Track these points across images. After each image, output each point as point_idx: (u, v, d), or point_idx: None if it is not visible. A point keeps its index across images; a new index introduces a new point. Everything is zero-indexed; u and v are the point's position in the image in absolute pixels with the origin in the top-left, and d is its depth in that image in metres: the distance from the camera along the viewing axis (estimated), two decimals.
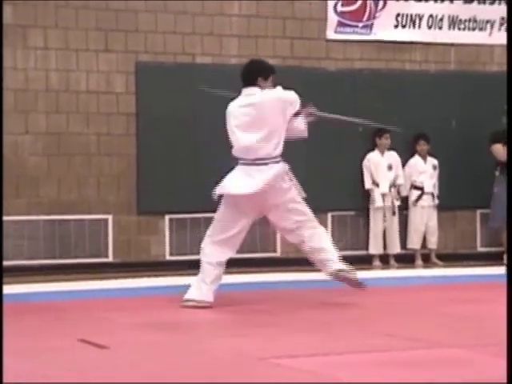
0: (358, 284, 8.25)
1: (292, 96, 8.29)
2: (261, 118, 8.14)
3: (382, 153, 12.54)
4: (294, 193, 8.26)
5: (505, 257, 11.72)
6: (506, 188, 11.17)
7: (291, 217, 8.20)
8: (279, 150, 8.26)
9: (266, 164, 8.17)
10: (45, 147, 11.54)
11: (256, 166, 8.16)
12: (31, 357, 5.46)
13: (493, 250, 12.72)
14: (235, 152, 8.31)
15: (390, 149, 12.56)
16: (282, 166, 8.25)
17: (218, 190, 8.16)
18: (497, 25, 13.18)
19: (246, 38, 12.23)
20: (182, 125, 11.77)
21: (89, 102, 11.66)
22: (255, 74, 8.41)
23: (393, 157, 12.57)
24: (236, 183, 8.15)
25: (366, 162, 12.51)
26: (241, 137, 8.26)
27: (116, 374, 4.90)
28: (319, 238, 8.31)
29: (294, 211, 8.20)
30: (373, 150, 12.54)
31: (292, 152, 12.21)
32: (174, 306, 8.05)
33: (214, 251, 8.08)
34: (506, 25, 13.15)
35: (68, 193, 11.58)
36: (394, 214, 12.43)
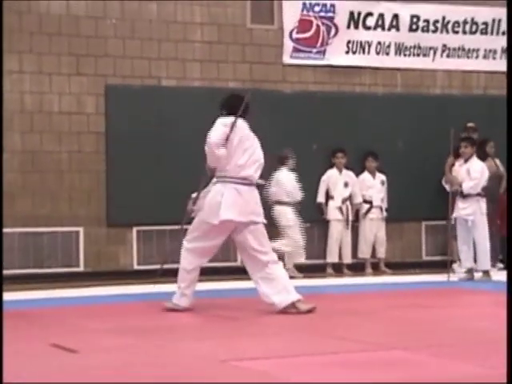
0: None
1: None
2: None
3: (340, 170, 12.57)
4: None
5: (454, 264, 11.81)
6: (506, 192, 11.30)
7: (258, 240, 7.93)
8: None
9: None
10: (20, 164, 11.45)
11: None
12: (4, 361, 5.38)
13: (437, 258, 12.78)
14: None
15: (348, 168, 12.58)
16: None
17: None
18: (439, 51, 13.28)
19: (208, 62, 12.22)
20: (148, 143, 11.72)
21: (61, 122, 11.60)
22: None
23: (349, 176, 12.60)
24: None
25: (324, 178, 12.53)
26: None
27: (84, 375, 4.85)
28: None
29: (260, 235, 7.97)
30: (332, 167, 12.57)
31: None
32: (140, 313, 8.01)
33: (189, 258, 7.96)
34: (446, 51, 13.29)
35: (41, 207, 11.49)
36: (347, 225, 12.45)
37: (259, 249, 7.87)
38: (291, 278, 8.87)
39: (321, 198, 12.50)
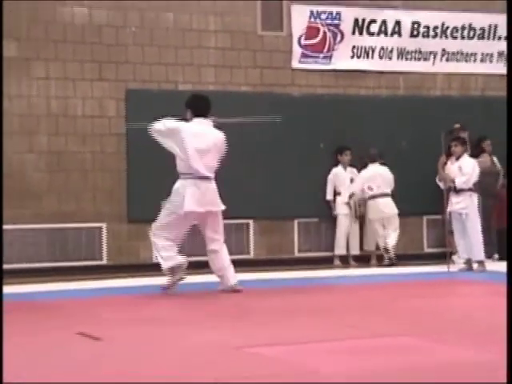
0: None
1: None
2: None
3: (345, 168, 12.56)
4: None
5: (453, 256, 11.78)
6: (507, 190, 11.26)
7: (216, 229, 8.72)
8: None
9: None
10: (46, 164, 11.47)
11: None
12: (34, 348, 5.41)
13: (438, 250, 12.75)
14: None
15: (350, 165, 12.58)
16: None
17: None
18: (439, 55, 13.25)
19: (221, 67, 12.22)
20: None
21: (85, 125, 11.61)
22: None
23: (353, 172, 12.60)
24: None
25: (330, 176, 12.53)
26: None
27: (109, 362, 4.86)
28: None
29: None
30: (336, 165, 12.56)
31: (262, 167, 12.26)
32: (159, 303, 8.02)
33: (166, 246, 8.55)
34: (446, 56, 13.26)
35: (67, 204, 11.51)
36: (356, 219, 12.45)
37: (212, 236, 8.69)
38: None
39: (329, 196, 12.50)
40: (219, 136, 8.75)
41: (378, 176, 12.29)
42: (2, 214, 10.19)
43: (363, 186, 12.31)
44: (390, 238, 12.15)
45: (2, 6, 10.45)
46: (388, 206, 12.25)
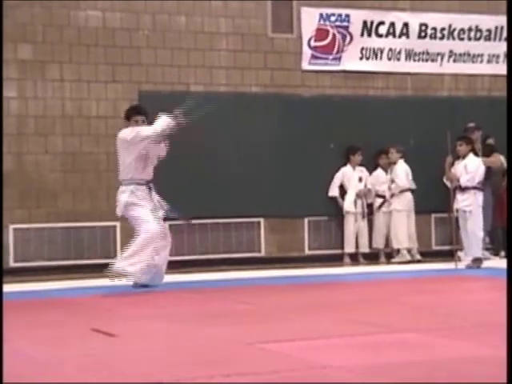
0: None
1: None
2: None
3: (354, 167, 12.57)
4: None
5: (458, 253, 11.75)
6: (506, 189, 11.24)
7: None
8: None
9: None
10: (61, 165, 11.51)
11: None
12: (50, 344, 5.43)
13: (445, 248, 12.73)
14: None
15: (360, 165, 12.60)
16: None
17: None
18: (446, 57, 13.24)
19: (232, 69, 12.23)
20: (176, 143, 11.72)
21: (99, 126, 11.65)
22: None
23: (362, 171, 12.60)
24: None
25: (338, 174, 12.54)
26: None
27: (124, 357, 4.88)
28: None
29: None
30: (345, 164, 12.56)
31: (273, 167, 12.27)
32: (172, 300, 8.03)
33: None
34: (453, 57, 13.25)
35: (82, 204, 11.55)
36: (363, 217, 12.46)
37: None
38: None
39: (333, 192, 12.51)
40: None
41: (409, 170, 12.49)
42: (1, 214, 10.22)
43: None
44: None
45: (1, 6, 10.49)
46: (412, 201, 12.51)
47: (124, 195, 8.62)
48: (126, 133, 8.67)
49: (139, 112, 8.81)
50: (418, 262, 12.31)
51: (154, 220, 8.49)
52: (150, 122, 8.72)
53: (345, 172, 12.55)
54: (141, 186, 8.66)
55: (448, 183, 11.69)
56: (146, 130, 8.59)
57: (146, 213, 8.51)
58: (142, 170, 8.68)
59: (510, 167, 11.54)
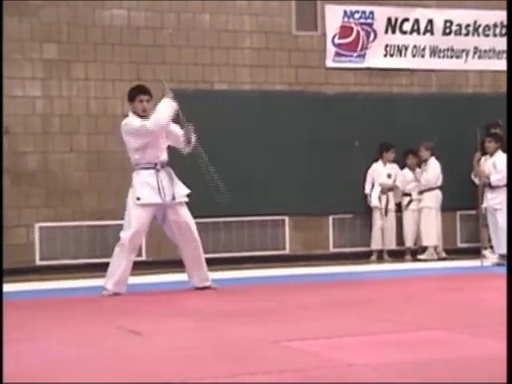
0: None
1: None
2: None
3: (385, 164, 12.54)
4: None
5: (485, 251, 11.67)
6: (507, 190, 11.17)
7: None
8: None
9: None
10: (86, 164, 11.55)
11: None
12: (74, 341, 5.43)
13: (471, 245, 12.65)
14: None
15: (393, 162, 12.58)
16: None
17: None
18: (471, 53, 13.15)
19: (256, 67, 12.21)
20: (201, 142, 11.72)
21: None
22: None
23: (393, 168, 12.57)
24: None
25: (370, 171, 12.54)
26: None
27: (149, 355, 4.87)
28: None
29: None
30: (377, 160, 12.54)
31: (298, 165, 12.24)
32: (195, 298, 8.03)
33: None
34: (478, 53, 13.15)
35: (107, 202, 11.57)
36: (386, 214, 12.40)
37: None
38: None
39: (367, 190, 12.51)
40: None
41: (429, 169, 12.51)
42: (1, 214, 10.24)
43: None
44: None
45: (2, 6, 10.52)
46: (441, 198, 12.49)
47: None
48: (132, 122, 8.25)
49: (144, 91, 8.33)
50: (444, 259, 12.25)
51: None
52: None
53: (375, 168, 12.55)
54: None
55: (476, 180, 11.63)
56: (150, 124, 8.11)
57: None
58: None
59: (510, 166, 11.42)
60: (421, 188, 12.51)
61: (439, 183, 12.50)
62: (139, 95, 8.30)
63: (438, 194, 12.48)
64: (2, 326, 5.33)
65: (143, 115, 8.22)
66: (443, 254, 12.46)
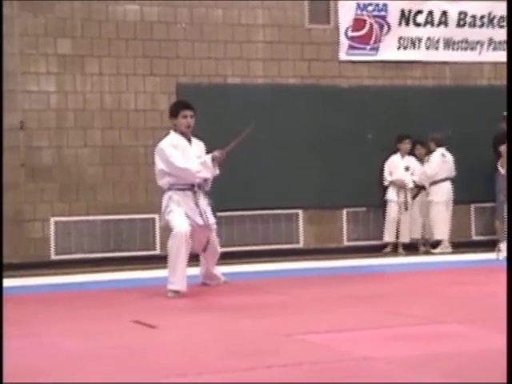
0: None
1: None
2: None
3: (403, 156, 12.54)
4: None
5: (500, 244, 11.65)
6: (507, 188, 11.13)
7: None
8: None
9: None
10: (101, 158, 11.60)
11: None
12: (90, 335, 5.48)
13: (485, 238, 12.64)
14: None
15: (411, 154, 12.56)
16: None
17: None
18: (485, 45, 13.11)
19: (269, 60, 12.23)
20: (215, 135, 11.76)
21: (137, 119, 11.72)
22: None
23: (411, 161, 12.54)
24: None
25: (388, 163, 12.52)
26: None
27: (164, 348, 4.91)
28: None
29: None
30: (395, 153, 12.54)
31: (311, 158, 12.26)
32: (210, 292, 8.06)
33: None
34: (493, 45, 13.12)
35: (121, 196, 11.63)
36: (406, 209, 12.40)
37: None
38: None
39: (386, 182, 12.53)
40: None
41: (449, 159, 12.43)
42: (1, 214, 10.30)
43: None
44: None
45: (1, 5, 10.58)
46: (451, 190, 12.35)
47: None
48: (166, 146, 8.01)
49: (188, 106, 7.98)
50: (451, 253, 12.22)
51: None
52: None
53: (393, 160, 12.54)
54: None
55: (503, 170, 11.56)
56: (184, 169, 7.93)
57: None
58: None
59: (510, 166, 11.38)
60: (422, 180, 12.47)
61: (445, 175, 12.38)
62: (183, 110, 7.93)
63: (445, 186, 12.37)
64: (1, 323, 5.33)
65: (185, 131, 7.99)
66: (450, 249, 12.43)
